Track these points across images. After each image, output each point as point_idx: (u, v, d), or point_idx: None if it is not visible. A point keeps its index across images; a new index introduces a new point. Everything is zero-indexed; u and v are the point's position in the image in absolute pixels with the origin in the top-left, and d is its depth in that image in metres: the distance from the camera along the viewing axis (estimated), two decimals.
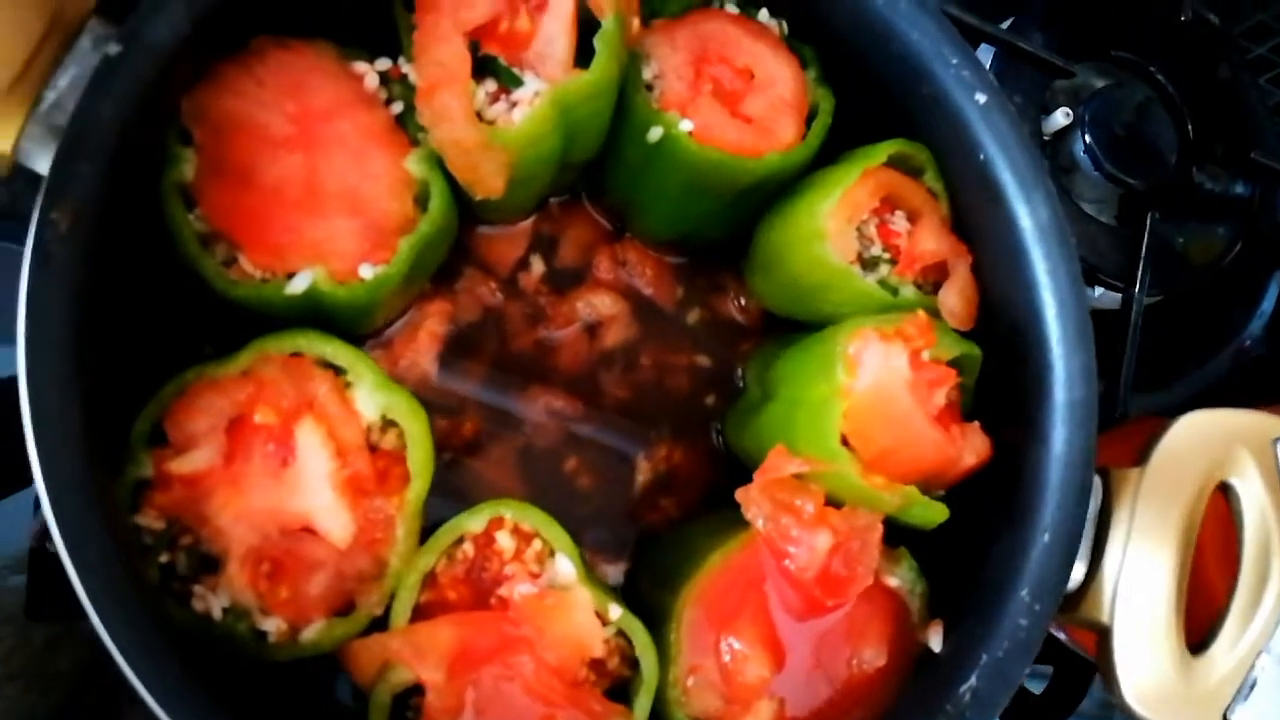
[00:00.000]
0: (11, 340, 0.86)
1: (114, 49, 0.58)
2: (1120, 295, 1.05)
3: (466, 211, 0.80)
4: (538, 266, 0.88)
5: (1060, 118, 1.06)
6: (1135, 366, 1.02)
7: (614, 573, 0.85)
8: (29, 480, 0.81)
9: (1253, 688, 0.68)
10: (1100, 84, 1.10)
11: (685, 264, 0.92)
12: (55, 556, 0.55)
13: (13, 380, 0.58)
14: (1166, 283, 1.09)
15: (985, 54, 1.05)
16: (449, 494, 0.83)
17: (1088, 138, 1.06)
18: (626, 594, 0.84)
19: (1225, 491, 0.72)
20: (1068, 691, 1.03)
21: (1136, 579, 0.69)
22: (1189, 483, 0.71)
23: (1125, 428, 1.00)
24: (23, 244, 0.83)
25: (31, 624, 0.88)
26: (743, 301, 0.93)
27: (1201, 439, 0.72)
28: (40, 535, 0.81)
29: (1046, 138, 1.08)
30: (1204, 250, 1.12)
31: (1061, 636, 0.99)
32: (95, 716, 0.91)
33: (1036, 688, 1.05)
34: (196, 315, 0.68)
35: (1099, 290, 1.08)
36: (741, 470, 0.83)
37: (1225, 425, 0.72)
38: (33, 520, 0.82)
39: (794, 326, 0.86)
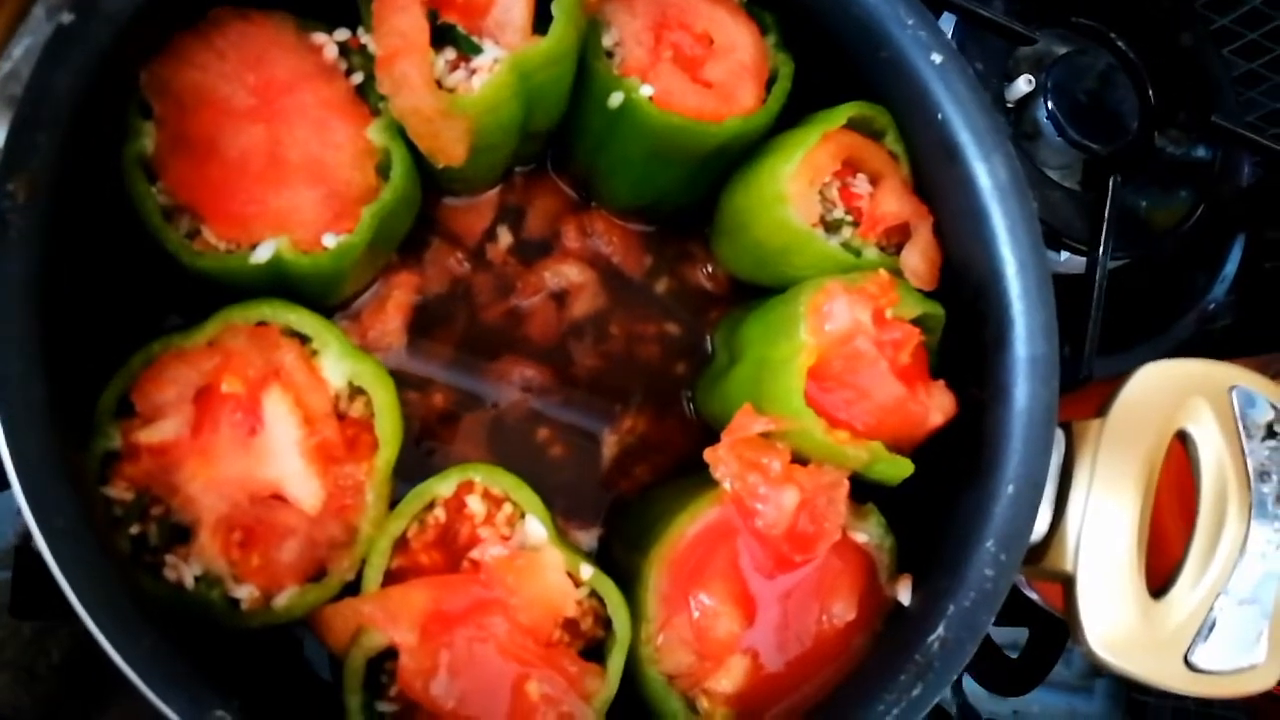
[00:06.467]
0: None
1: (67, 18, 0.58)
2: (1085, 259, 1.06)
3: (431, 183, 0.80)
4: (505, 237, 0.88)
5: (1023, 85, 1.08)
6: (1100, 330, 1.03)
7: (587, 539, 0.85)
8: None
9: (1212, 628, 0.69)
10: (1062, 51, 1.11)
11: (653, 233, 0.92)
12: (40, 555, 0.55)
13: None
14: (1130, 247, 1.10)
15: (947, 22, 1.06)
16: (420, 467, 0.83)
17: (1050, 104, 1.07)
18: (600, 560, 0.84)
19: (1183, 439, 0.73)
20: (1043, 652, 1.04)
21: (1099, 528, 0.70)
22: (1148, 432, 0.72)
23: (1090, 389, 1.01)
24: None
25: None
26: (710, 269, 0.93)
27: (1159, 389, 0.73)
28: (26, 534, 0.80)
29: (1010, 105, 1.09)
30: (1167, 215, 1.13)
31: (1034, 597, 1.00)
32: (83, 708, 0.92)
33: (1013, 652, 1.06)
34: (162, 287, 0.68)
35: (1064, 254, 1.09)
36: (713, 438, 0.84)
37: (1182, 375, 0.73)
38: (18, 519, 0.81)
39: (761, 292, 0.86)
